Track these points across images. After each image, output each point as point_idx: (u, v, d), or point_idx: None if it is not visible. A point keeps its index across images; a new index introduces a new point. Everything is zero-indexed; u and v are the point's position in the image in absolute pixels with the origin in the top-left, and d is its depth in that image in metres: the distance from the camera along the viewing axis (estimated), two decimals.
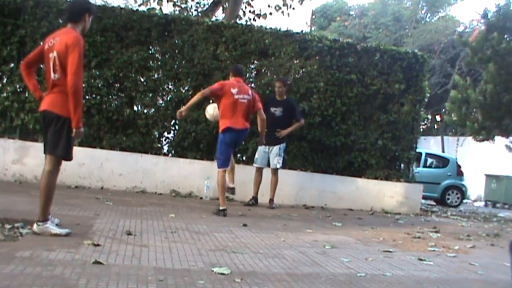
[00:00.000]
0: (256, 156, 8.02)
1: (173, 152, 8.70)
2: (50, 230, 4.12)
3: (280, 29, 9.16)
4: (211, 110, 7.03)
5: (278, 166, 7.86)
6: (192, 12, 14.11)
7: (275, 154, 7.84)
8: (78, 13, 4.24)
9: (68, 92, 4.04)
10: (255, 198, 7.92)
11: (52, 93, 4.23)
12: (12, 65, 8.30)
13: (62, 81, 4.12)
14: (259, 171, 7.97)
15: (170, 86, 8.81)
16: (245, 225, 5.78)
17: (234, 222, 5.95)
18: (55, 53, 4.12)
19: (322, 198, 8.88)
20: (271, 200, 7.93)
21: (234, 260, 3.94)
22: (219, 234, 5.00)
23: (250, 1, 13.76)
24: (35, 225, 4.17)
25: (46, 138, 4.28)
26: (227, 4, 13.04)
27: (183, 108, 6.71)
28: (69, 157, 4.24)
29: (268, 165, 7.97)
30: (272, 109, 7.83)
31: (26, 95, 8.18)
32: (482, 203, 18.31)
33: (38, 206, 4.22)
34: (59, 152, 4.16)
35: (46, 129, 4.25)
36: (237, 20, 12.18)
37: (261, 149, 7.91)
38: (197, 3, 14.42)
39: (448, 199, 15.04)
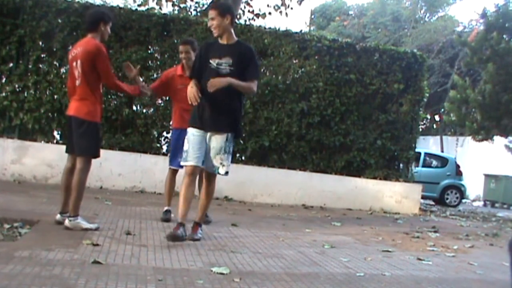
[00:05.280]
0: (186, 147, 4.44)
1: None
2: (81, 225, 4.39)
3: (279, 28, 9.16)
4: None
5: (222, 172, 4.47)
6: (191, 12, 14.09)
7: (219, 149, 4.43)
8: (93, 22, 4.52)
9: (112, 89, 4.70)
10: (182, 225, 4.41)
11: (76, 99, 4.48)
12: (11, 64, 8.29)
13: (84, 88, 4.43)
14: (191, 174, 4.45)
15: None
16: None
17: (233, 221, 5.95)
18: (79, 62, 4.39)
19: (321, 198, 8.88)
20: (197, 225, 4.60)
21: (233, 260, 3.93)
22: (218, 234, 4.99)
23: (249, 1, 13.75)
24: (66, 220, 4.40)
25: (70, 140, 4.61)
26: None
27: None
28: (98, 155, 4.58)
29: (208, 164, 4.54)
30: (214, 62, 4.42)
31: (25, 94, 8.19)
32: (481, 203, 18.32)
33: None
34: (90, 152, 4.49)
35: (71, 132, 4.53)
36: (236, 20, 12.17)
37: (191, 133, 4.44)
38: (196, 3, 14.40)
39: (447, 199, 15.05)
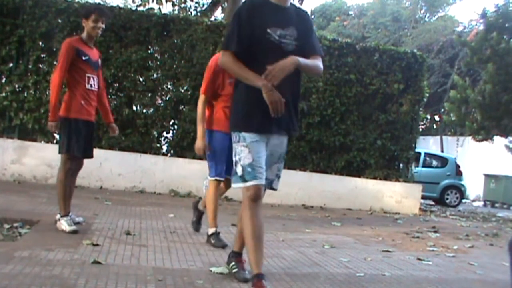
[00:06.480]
0: (249, 159, 2.98)
1: (172, 152, 8.70)
2: (59, 225, 4.31)
3: None
4: None
5: (278, 185, 3.28)
6: (191, 12, 14.12)
7: (278, 156, 3.21)
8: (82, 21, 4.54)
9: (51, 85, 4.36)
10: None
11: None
12: (11, 64, 8.30)
13: (65, 83, 4.43)
14: (259, 199, 3.01)
15: (169, 86, 8.81)
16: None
17: (233, 221, 5.94)
18: None
19: (321, 198, 8.88)
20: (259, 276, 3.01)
21: None
22: None
23: None
24: (57, 215, 4.40)
25: None
26: (226, 3, 13.04)
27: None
28: (69, 152, 4.28)
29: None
30: (274, 33, 2.96)
31: (25, 94, 8.19)
32: (481, 203, 18.31)
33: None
34: (60, 149, 4.35)
35: None
36: None
37: (250, 139, 3.00)
38: (196, 3, 14.42)
39: (447, 199, 15.04)
